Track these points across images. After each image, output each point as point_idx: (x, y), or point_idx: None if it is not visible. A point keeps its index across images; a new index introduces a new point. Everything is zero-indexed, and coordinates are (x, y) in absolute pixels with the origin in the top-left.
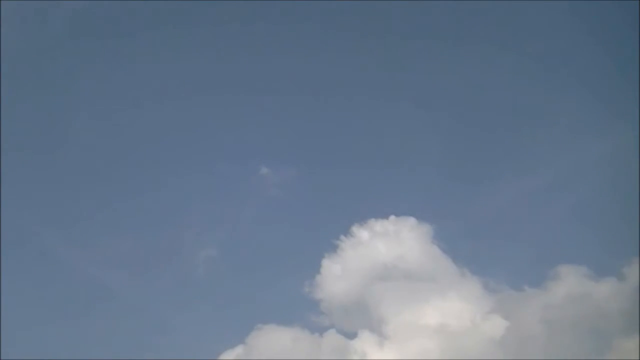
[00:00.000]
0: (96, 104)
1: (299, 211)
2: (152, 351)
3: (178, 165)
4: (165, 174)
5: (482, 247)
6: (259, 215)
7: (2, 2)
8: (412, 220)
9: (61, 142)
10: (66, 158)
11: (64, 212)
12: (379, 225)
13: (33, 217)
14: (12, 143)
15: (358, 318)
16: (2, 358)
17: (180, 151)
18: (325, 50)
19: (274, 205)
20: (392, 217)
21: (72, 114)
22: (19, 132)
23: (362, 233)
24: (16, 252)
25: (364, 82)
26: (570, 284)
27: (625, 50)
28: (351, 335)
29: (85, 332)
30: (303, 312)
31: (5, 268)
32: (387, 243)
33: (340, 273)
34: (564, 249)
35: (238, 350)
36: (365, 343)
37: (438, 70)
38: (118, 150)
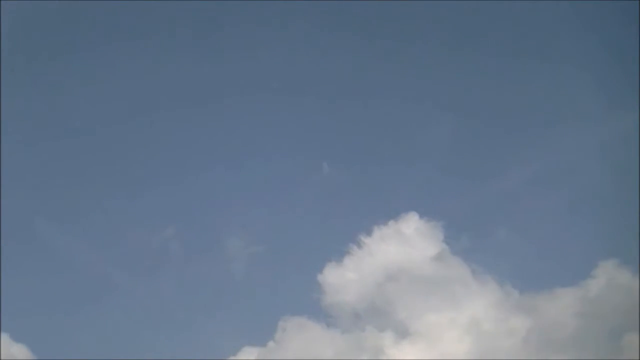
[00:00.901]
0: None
1: (318, 211)
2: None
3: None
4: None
5: (493, 244)
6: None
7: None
8: (425, 220)
9: (82, 130)
10: (88, 148)
11: (85, 208)
12: (393, 226)
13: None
14: (18, 133)
15: (380, 318)
16: (2, 353)
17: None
18: (317, 48)
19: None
20: (407, 218)
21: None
22: (26, 121)
23: (376, 235)
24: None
25: (364, 80)
26: (591, 281)
27: (626, 38)
28: (376, 334)
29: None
30: (327, 311)
31: (10, 262)
32: (404, 244)
33: (362, 273)
34: (578, 243)
35: (267, 346)
36: (388, 342)
37: (439, 63)
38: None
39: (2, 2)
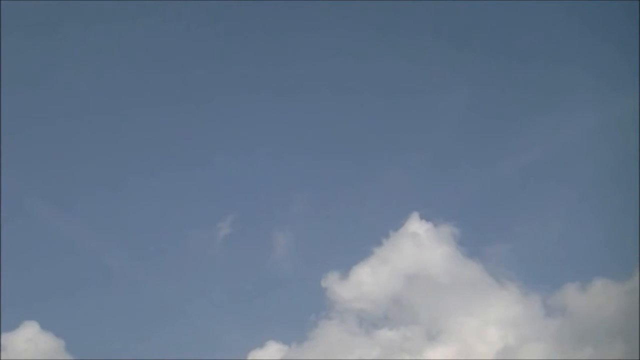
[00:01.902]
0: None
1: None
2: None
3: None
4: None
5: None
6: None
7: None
8: (440, 223)
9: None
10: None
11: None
12: (411, 229)
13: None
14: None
15: (406, 320)
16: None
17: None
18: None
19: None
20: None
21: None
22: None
23: (396, 236)
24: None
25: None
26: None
27: (626, 19)
28: (402, 335)
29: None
30: (354, 310)
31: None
32: (420, 245)
33: (389, 272)
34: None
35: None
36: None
37: (444, 53)
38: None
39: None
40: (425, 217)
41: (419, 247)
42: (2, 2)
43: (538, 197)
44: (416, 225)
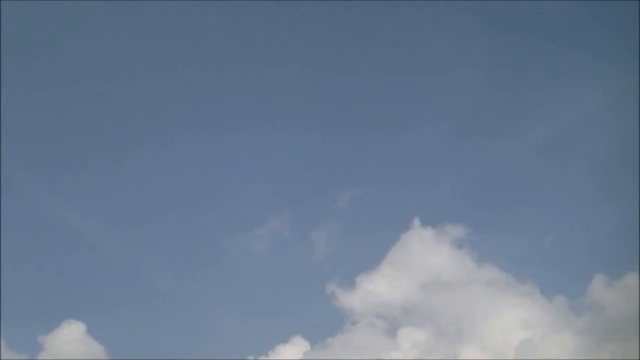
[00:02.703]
0: None
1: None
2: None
3: None
4: None
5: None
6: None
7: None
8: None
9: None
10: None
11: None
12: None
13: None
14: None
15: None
16: None
17: None
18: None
19: None
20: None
21: None
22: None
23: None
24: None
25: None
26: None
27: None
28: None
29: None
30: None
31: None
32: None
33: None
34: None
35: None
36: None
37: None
38: None
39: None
40: (431, 218)
41: (431, 248)
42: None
43: (553, 182)
44: (422, 227)
